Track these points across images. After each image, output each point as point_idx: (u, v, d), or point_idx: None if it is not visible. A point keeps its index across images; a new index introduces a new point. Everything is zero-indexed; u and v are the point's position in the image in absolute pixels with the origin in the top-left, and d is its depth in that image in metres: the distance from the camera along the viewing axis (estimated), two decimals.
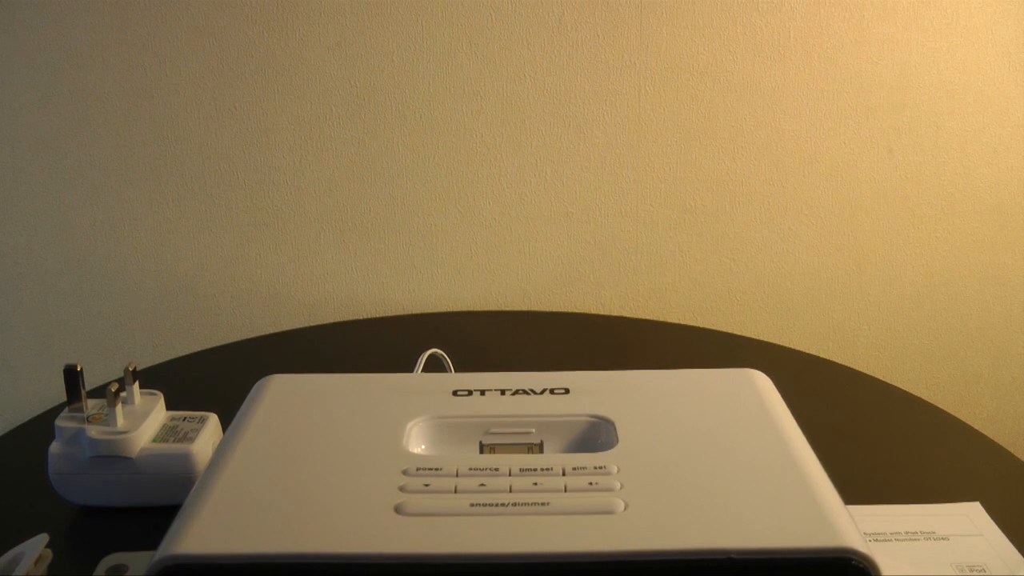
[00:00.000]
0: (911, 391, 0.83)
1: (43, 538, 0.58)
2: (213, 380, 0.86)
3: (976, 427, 0.76)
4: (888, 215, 1.01)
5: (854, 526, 0.42)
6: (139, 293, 1.00)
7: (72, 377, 0.65)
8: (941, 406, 0.80)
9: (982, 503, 0.64)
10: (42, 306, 1.00)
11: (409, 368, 0.74)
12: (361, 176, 0.99)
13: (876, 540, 0.59)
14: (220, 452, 0.49)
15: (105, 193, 0.98)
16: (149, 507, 0.64)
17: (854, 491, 0.47)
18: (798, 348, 0.94)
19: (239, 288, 1.01)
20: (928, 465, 0.71)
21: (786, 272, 1.03)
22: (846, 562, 0.40)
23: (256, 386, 0.57)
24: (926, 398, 0.82)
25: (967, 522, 0.62)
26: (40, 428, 0.72)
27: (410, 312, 1.02)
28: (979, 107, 0.98)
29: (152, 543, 0.42)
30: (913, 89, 0.98)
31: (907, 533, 0.61)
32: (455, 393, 0.55)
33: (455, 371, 0.75)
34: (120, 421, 0.64)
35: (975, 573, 0.57)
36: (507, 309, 1.03)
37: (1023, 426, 1.08)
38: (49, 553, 0.58)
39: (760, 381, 0.56)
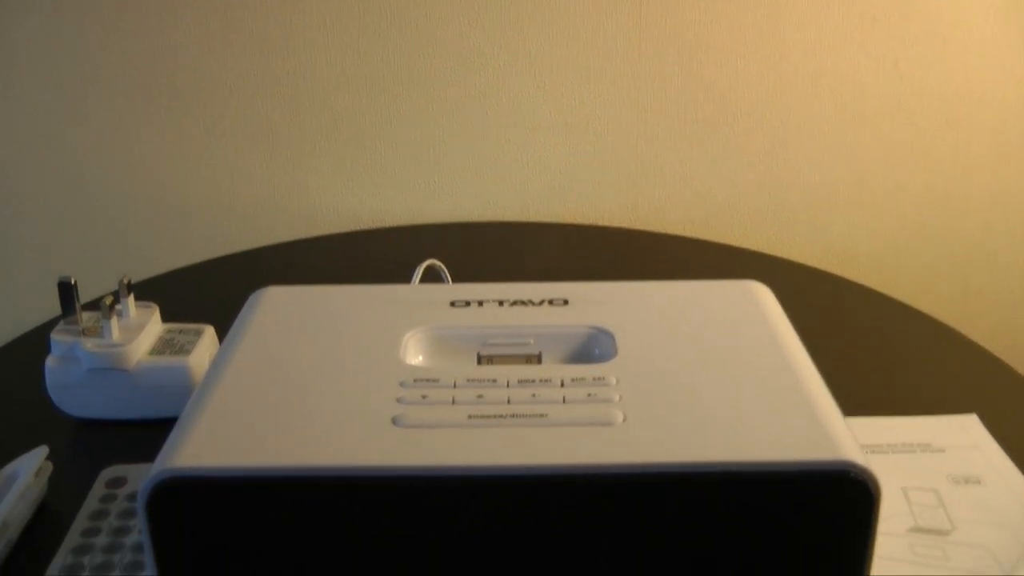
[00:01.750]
0: (911, 304, 0.83)
1: (43, 450, 0.58)
2: (209, 293, 0.85)
3: (975, 340, 0.76)
4: (892, 128, 1.00)
5: (853, 439, 0.42)
6: (133, 206, 1.00)
7: (66, 290, 0.64)
8: (940, 319, 0.80)
9: (979, 415, 0.64)
10: (36, 220, 0.99)
11: (406, 280, 0.73)
12: (357, 87, 0.97)
13: (872, 452, 0.60)
14: (214, 366, 0.49)
15: (99, 106, 0.96)
16: (147, 420, 0.64)
17: (851, 403, 0.47)
18: (798, 261, 0.94)
19: (234, 200, 1.00)
20: (926, 377, 0.71)
21: (788, 184, 1.02)
22: (844, 475, 0.40)
23: (250, 298, 0.56)
24: (926, 311, 0.81)
25: (964, 434, 0.62)
26: (36, 341, 0.72)
27: (407, 224, 1.02)
28: (986, 18, 0.96)
29: (150, 456, 0.42)
30: (921, 0, 0.96)
31: (903, 445, 0.61)
32: (452, 304, 0.54)
33: (452, 283, 0.75)
34: (115, 334, 0.64)
35: (970, 485, 0.58)
36: (505, 220, 1.02)
37: (1022, 339, 1.08)
38: (49, 465, 0.58)
39: (761, 293, 0.56)
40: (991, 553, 0.52)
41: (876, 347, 0.75)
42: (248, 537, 0.41)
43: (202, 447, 0.42)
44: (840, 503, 0.41)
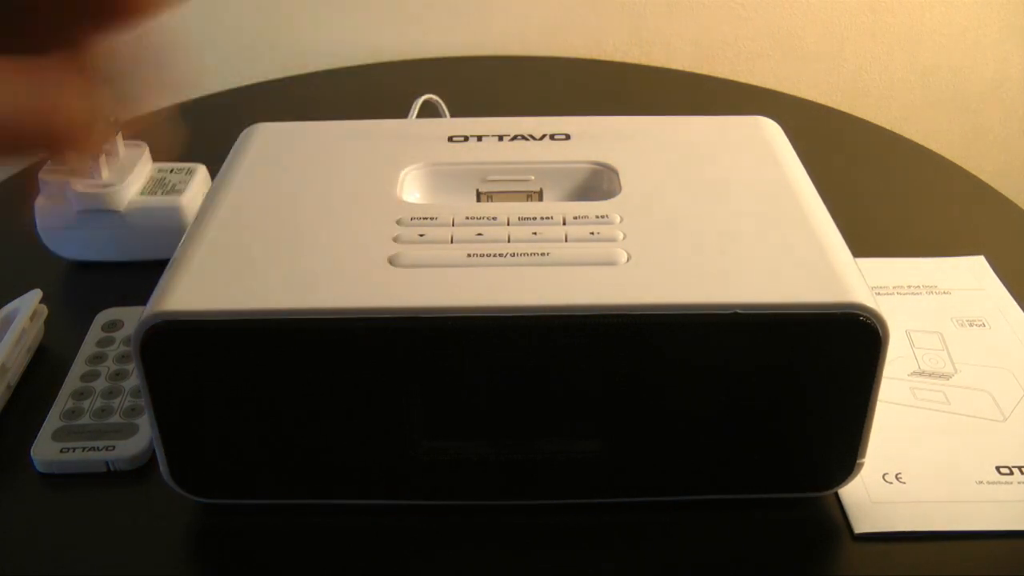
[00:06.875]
0: (920, 143, 0.81)
1: (36, 294, 0.57)
2: (199, 132, 0.83)
3: (984, 180, 0.75)
4: None
5: (863, 281, 0.41)
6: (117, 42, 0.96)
7: None
8: (950, 158, 0.78)
9: (987, 257, 0.64)
10: None
11: (402, 117, 0.71)
12: None
13: (878, 294, 0.59)
14: (204, 207, 0.47)
15: None
16: (141, 261, 0.63)
17: (858, 243, 0.46)
18: (807, 97, 0.92)
19: (224, 35, 0.97)
20: (935, 218, 0.70)
21: (797, 18, 0.99)
22: (854, 318, 0.39)
23: (241, 136, 0.54)
24: (935, 150, 0.80)
25: (970, 276, 0.62)
26: (26, 183, 0.70)
27: (402, 59, 0.99)
28: None
29: (146, 298, 0.41)
30: None
31: (910, 287, 0.61)
32: (451, 139, 0.53)
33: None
34: (105, 174, 0.63)
35: (975, 327, 0.57)
36: (505, 54, 1.00)
37: None
38: (44, 309, 0.58)
39: (770, 129, 0.54)
40: (992, 396, 0.52)
41: (884, 186, 0.74)
42: (243, 380, 0.41)
43: (193, 290, 0.41)
44: (847, 346, 0.40)
